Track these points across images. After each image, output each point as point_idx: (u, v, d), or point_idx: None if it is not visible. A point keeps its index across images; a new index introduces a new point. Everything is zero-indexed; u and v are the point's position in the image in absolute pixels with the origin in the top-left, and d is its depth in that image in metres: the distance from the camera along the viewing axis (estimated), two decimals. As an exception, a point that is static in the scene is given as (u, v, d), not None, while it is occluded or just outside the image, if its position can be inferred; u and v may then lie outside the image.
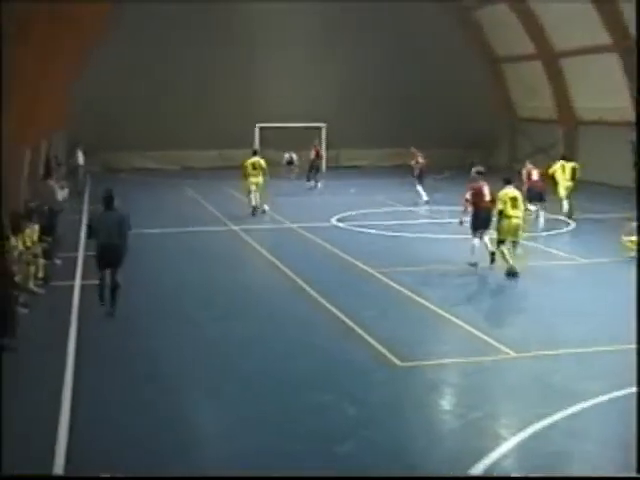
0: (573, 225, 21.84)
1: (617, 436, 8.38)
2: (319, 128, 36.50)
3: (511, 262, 15.51)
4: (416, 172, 26.49)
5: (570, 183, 22.80)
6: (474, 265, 16.06)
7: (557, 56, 34.16)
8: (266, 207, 24.08)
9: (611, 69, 30.03)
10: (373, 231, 20.99)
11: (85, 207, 24.37)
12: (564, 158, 23.80)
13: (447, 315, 12.85)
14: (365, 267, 16.34)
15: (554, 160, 23.99)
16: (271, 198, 24.80)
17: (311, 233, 20.52)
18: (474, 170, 16.79)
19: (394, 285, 14.84)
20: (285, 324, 12.62)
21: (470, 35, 38.99)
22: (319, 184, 30.67)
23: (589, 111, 32.98)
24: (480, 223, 16.20)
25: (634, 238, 17.15)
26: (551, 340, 11.54)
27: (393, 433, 8.51)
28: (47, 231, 16.32)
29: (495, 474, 7.47)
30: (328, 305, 13.37)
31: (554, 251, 18.34)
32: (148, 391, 9.66)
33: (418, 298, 13.90)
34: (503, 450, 7.92)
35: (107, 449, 7.99)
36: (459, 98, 38.40)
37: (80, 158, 30.06)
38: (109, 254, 12.70)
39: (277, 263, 16.80)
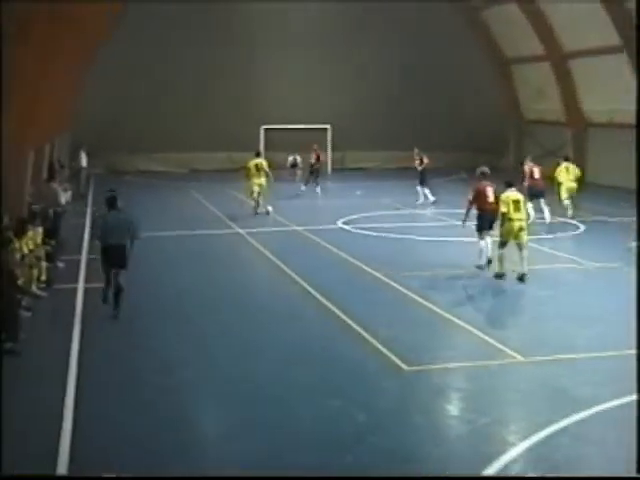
0: (582, 228, 21.69)
1: (627, 442, 8.20)
2: (324, 130, 36.34)
3: (505, 267, 15.33)
4: (420, 173, 26.40)
5: (574, 184, 22.61)
6: (482, 268, 15.92)
7: (566, 57, 33.95)
8: (270, 208, 23.93)
9: (620, 70, 29.80)
10: (380, 234, 20.85)
11: (88, 210, 24.30)
12: (567, 159, 23.66)
13: (454, 319, 12.71)
14: (372, 271, 16.18)
15: (559, 162, 23.85)
16: (276, 201, 24.67)
17: (317, 236, 20.38)
18: (478, 171, 16.63)
19: (400, 288, 14.70)
20: (290, 327, 12.51)
21: (478, 36, 38.80)
22: (318, 188, 29.69)
23: (598, 113, 32.75)
24: (484, 224, 16.06)
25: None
26: (559, 345, 11.41)
27: (400, 439, 8.39)
28: (50, 234, 16.25)
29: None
30: (334, 309, 13.24)
31: (563, 254, 18.17)
32: (148, 391, 9.64)
33: (425, 302, 13.76)
34: (512, 455, 7.83)
35: (107, 449, 7.99)
36: (467, 99, 38.30)
37: (83, 160, 29.95)
38: (114, 254, 12.61)
39: (282, 266, 16.66)
